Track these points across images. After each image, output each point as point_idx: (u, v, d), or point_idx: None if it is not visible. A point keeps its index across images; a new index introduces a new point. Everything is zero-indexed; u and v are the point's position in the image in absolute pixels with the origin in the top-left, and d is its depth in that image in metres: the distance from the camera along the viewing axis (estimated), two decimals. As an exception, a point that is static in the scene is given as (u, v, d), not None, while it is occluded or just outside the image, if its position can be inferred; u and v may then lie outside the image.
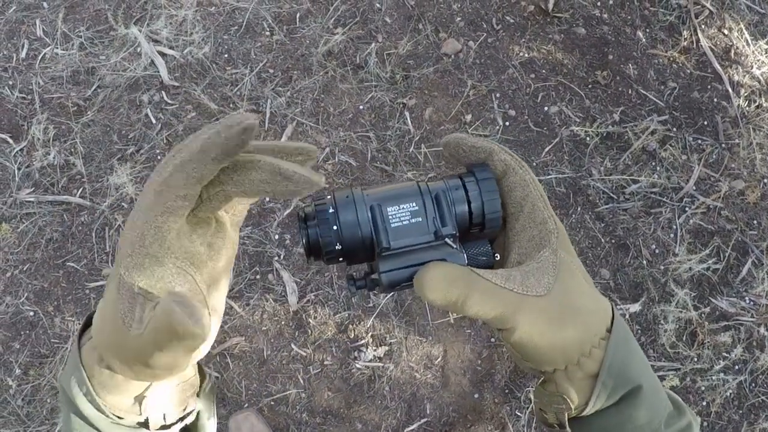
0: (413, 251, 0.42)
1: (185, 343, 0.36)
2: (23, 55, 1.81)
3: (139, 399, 0.42)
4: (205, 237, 0.42)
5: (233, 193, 0.40)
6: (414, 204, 0.43)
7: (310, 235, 0.43)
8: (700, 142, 1.76)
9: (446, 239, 0.43)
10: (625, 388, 0.42)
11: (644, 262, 1.66)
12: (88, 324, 0.43)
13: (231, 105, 1.75)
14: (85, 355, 0.40)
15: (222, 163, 0.38)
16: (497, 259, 0.45)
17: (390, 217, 0.43)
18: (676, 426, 0.44)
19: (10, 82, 1.78)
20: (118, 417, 0.41)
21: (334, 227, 0.42)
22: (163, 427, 0.44)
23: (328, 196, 0.44)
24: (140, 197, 0.39)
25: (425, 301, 0.41)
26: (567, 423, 0.44)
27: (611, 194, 1.71)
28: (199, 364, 0.48)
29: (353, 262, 0.45)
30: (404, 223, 0.43)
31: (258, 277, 1.62)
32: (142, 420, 0.42)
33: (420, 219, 0.43)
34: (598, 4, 1.89)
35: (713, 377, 1.59)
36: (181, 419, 0.45)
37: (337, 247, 0.43)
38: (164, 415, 0.43)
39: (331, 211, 0.43)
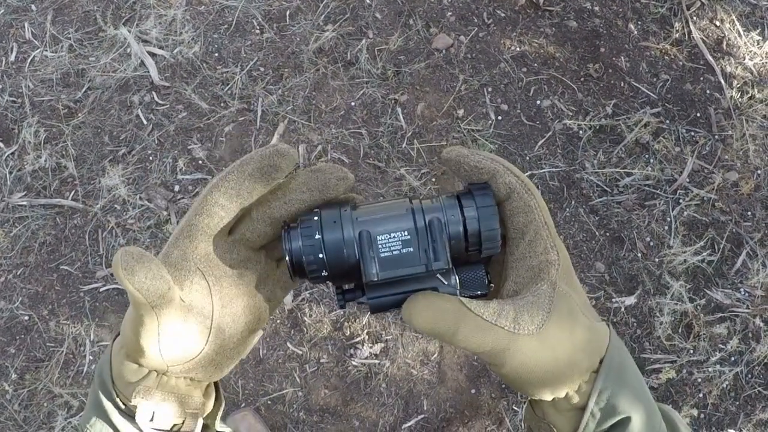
0: (403, 281, 0.41)
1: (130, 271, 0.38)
2: (12, 58, 1.80)
3: (130, 386, 0.43)
4: (241, 262, 0.45)
5: (276, 209, 0.44)
6: (406, 233, 0.41)
7: (294, 259, 0.42)
8: (693, 134, 1.76)
9: (438, 275, 0.41)
10: (613, 419, 0.41)
11: (639, 254, 1.66)
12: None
13: (222, 104, 1.75)
14: (115, 359, 0.44)
15: (258, 182, 0.42)
16: (492, 288, 0.44)
17: (380, 246, 0.41)
18: None
19: (0, 86, 1.77)
20: (125, 409, 0.43)
21: (320, 255, 0.41)
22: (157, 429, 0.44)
23: (315, 218, 0.42)
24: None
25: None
26: None
27: (605, 187, 1.70)
28: (217, 387, 0.49)
29: (340, 283, 0.44)
30: (394, 253, 0.41)
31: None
32: (132, 404, 0.42)
33: (411, 249, 0.41)
34: (589, -4, 1.89)
35: (709, 369, 1.59)
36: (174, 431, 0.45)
37: (323, 274, 0.42)
38: (153, 413, 0.43)
39: (317, 237, 0.41)
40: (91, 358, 1.57)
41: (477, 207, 0.42)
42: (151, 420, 0.43)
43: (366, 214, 0.42)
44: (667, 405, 0.47)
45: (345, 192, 0.45)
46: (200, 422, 0.46)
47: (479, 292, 0.43)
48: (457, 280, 0.42)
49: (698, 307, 1.62)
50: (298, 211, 0.44)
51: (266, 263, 0.47)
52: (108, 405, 0.43)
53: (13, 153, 1.71)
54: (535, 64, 1.81)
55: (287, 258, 0.42)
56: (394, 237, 0.41)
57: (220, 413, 0.49)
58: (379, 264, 0.40)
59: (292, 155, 0.43)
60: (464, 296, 0.42)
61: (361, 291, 0.43)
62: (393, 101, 1.76)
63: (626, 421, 0.41)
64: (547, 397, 0.42)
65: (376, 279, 0.40)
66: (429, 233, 0.41)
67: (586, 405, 0.41)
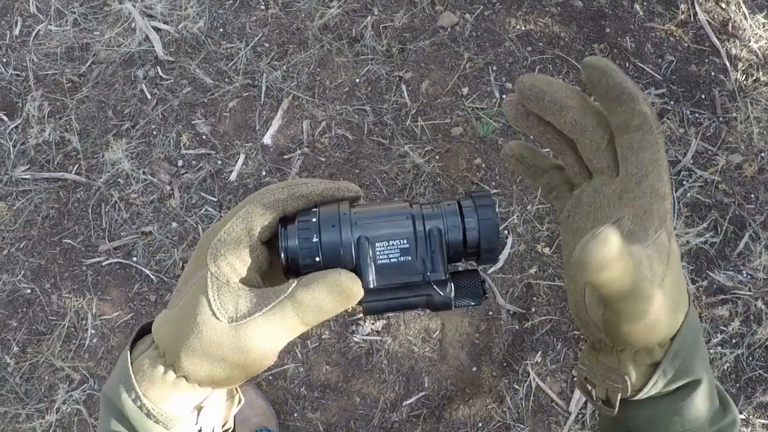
0: (398, 287, 0.41)
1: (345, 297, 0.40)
2: (17, 32, 1.80)
3: (198, 408, 0.42)
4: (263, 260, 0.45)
5: (291, 204, 0.43)
6: (405, 241, 0.41)
7: (290, 258, 0.42)
8: (697, 115, 1.76)
9: (434, 285, 0.41)
10: (683, 380, 0.41)
11: (642, 235, 1.66)
12: (138, 337, 0.45)
13: (226, 79, 1.75)
14: (141, 365, 0.41)
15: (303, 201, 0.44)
16: (487, 298, 0.44)
17: (378, 253, 0.41)
18: (721, 424, 0.44)
19: (4, 60, 1.77)
20: (165, 428, 0.41)
21: (317, 259, 0.41)
22: None
23: (313, 219, 0.42)
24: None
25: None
26: (618, 404, 0.44)
27: (609, 168, 1.70)
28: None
29: None
30: (392, 261, 0.41)
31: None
32: (195, 431, 0.42)
33: (409, 258, 0.41)
34: (595, -23, 1.88)
35: (711, 350, 1.60)
36: None
37: None
38: (213, 428, 0.44)
39: (314, 240, 0.41)
40: (92, 331, 1.58)
41: (478, 219, 0.41)
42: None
43: (365, 218, 0.42)
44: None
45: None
46: (235, 405, 0.47)
47: (472, 303, 0.43)
48: (453, 288, 0.41)
49: (700, 288, 1.63)
50: (300, 206, 0.44)
51: (270, 256, 0.46)
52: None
53: (16, 127, 1.71)
54: (540, 44, 1.80)
55: (282, 256, 0.42)
56: (392, 245, 0.41)
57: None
58: (376, 271, 0.41)
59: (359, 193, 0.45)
60: (457, 304, 0.42)
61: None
62: (397, 78, 1.75)
63: (695, 383, 0.41)
64: (640, 344, 0.41)
65: (372, 286, 0.40)
66: (428, 242, 0.41)
67: (662, 360, 0.41)
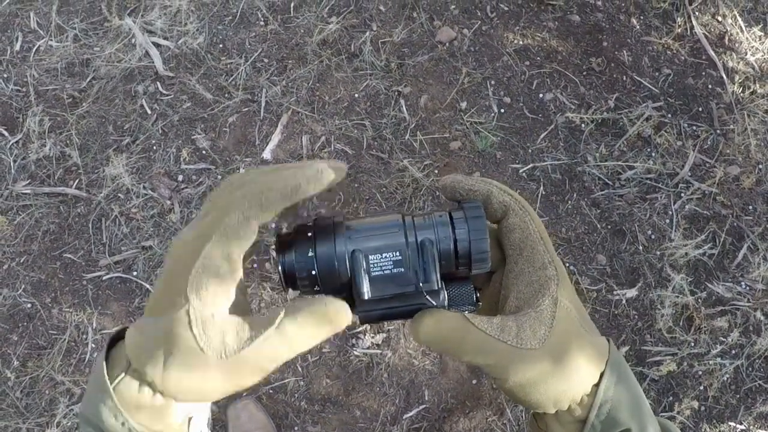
0: (392, 298, 0.42)
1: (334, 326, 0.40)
2: (18, 47, 1.81)
3: (187, 419, 0.43)
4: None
5: (263, 218, 0.42)
6: (398, 253, 0.42)
7: (287, 271, 0.43)
8: (695, 128, 1.77)
9: (427, 296, 0.42)
10: (613, 431, 0.42)
11: (640, 247, 1.67)
12: (111, 345, 0.43)
13: (226, 95, 1.76)
14: (127, 390, 0.40)
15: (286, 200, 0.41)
16: (480, 305, 0.45)
17: (372, 265, 0.42)
18: None
19: (5, 75, 1.78)
20: None
21: (313, 272, 0.42)
22: None
23: (309, 233, 0.43)
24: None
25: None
26: None
27: (607, 180, 1.71)
28: None
29: (331, 295, 0.46)
30: (386, 272, 0.42)
31: (255, 265, 1.62)
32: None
33: (402, 269, 0.42)
34: (592, -9, 1.89)
35: (710, 362, 1.60)
36: None
37: (315, 288, 0.43)
38: (200, 430, 0.44)
39: (310, 254, 0.42)
40: (93, 346, 1.58)
41: (469, 229, 0.43)
42: None
43: (359, 231, 0.43)
44: (666, 419, 0.48)
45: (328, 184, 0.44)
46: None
47: (468, 309, 0.44)
48: (446, 296, 0.42)
49: (699, 300, 1.63)
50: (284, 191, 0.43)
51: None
52: None
53: (17, 141, 1.72)
54: (538, 58, 1.81)
55: (280, 269, 0.43)
56: (386, 257, 0.42)
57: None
58: (370, 283, 0.41)
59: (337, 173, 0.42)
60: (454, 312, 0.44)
61: (351, 302, 0.44)
62: (396, 93, 1.77)
63: None
64: (550, 410, 0.43)
65: (366, 297, 0.41)
66: (420, 253, 0.42)
67: (587, 417, 0.42)
